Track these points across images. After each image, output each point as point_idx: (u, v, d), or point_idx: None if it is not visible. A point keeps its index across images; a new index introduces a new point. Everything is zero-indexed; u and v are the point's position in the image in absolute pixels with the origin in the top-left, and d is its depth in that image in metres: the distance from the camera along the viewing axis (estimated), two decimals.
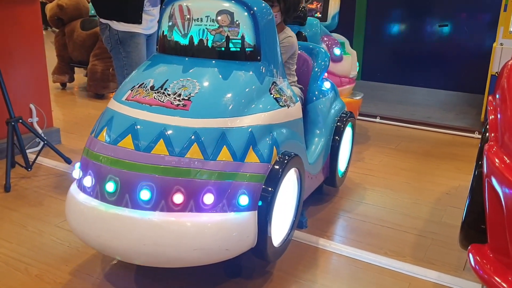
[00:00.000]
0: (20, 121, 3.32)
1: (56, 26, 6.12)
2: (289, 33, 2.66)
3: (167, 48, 2.32)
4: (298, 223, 2.49)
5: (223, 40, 2.18)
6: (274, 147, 2.06)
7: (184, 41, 2.23)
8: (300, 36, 3.67)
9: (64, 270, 2.28)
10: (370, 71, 6.63)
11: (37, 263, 2.33)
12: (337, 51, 4.04)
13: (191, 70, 2.13)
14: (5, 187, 3.09)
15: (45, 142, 3.45)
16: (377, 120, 4.91)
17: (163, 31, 2.31)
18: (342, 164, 3.05)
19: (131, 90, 2.13)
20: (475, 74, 5.78)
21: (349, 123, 3.01)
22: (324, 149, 2.78)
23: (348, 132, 3.05)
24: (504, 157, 1.56)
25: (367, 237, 2.65)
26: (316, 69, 2.91)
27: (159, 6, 3.20)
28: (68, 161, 3.50)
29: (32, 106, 3.82)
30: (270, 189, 1.98)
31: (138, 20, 3.05)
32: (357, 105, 4.25)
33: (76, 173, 2.10)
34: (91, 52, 5.80)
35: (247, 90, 2.10)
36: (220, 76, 2.11)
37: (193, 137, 1.90)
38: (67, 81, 6.20)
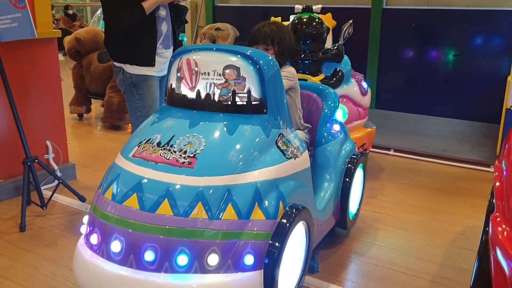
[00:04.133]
0: (36, 161, 3.37)
1: (74, 59, 6.23)
2: (285, 73, 2.52)
3: (175, 101, 2.32)
4: (310, 267, 2.47)
5: (230, 94, 2.18)
6: (280, 201, 2.04)
7: (192, 95, 2.24)
8: (338, 73, 3.85)
9: None
10: (384, 100, 6.61)
11: None
12: (365, 84, 4.23)
13: (197, 125, 2.12)
14: (21, 226, 3.13)
15: (60, 181, 3.50)
16: (391, 152, 4.87)
17: (171, 84, 2.33)
18: (353, 206, 3.02)
19: (138, 146, 2.13)
20: (491, 104, 5.74)
21: (360, 164, 2.98)
22: (334, 194, 2.74)
23: (359, 174, 3.02)
24: (508, 229, 1.52)
25: (379, 283, 2.61)
26: (326, 111, 2.89)
27: (172, 48, 3.25)
28: (82, 199, 3.54)
29: (48, 143, 3.89)
30: (276, 245, 1.96)
31: (151, 63, 3.10)
32: (373, 134, 4.31)
33: (84, 228, 2.11)
34: (107, 84, 5.90)
35: (253, 144, 2.09)
36: (226, 131, 2.11)
37: (197, 196, 1.90)
38: (84, 112, 6.30)
